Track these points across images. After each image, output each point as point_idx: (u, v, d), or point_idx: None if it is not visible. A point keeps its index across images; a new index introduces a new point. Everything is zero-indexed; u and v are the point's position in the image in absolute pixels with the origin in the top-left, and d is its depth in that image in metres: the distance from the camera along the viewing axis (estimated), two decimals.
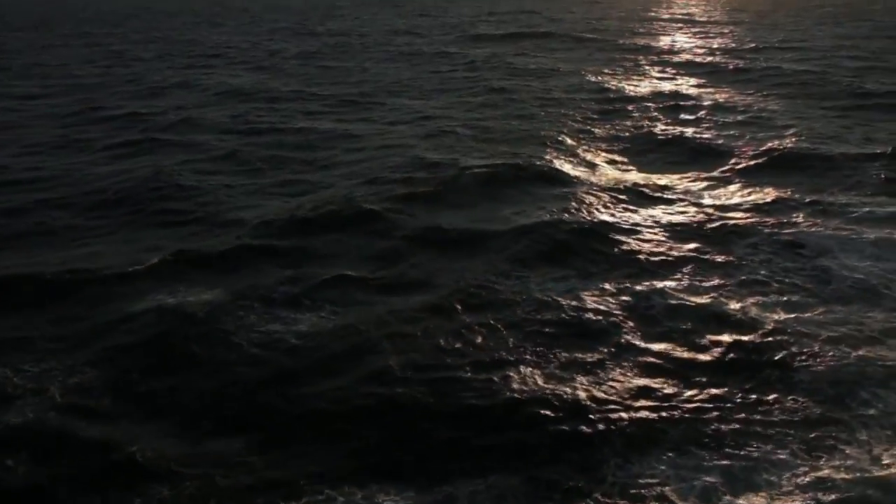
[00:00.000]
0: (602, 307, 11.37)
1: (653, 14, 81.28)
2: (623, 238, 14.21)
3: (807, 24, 69.47)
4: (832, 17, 79.36)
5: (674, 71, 36.51)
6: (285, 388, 9.32)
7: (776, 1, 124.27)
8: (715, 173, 18.75)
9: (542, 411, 8.68)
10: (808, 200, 16.15)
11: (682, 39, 53.06)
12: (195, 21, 79.99)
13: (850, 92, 29.33)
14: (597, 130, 23.56)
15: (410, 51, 45.52)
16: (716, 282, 12.29)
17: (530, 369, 9.59)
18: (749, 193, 16.99)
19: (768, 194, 16.74)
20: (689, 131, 23.15)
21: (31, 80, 37.69)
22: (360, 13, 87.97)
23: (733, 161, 19.66)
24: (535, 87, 31.51)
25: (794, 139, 21.84)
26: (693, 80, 33.24)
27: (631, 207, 16.06)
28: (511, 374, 9.42)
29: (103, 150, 22.52)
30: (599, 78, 33.83)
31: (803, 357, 9.75)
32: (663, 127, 23.82)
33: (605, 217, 15.41)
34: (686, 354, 10.03)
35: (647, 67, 38.01)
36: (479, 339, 10.38)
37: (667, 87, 31.47)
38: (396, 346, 10.18)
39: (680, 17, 77.70)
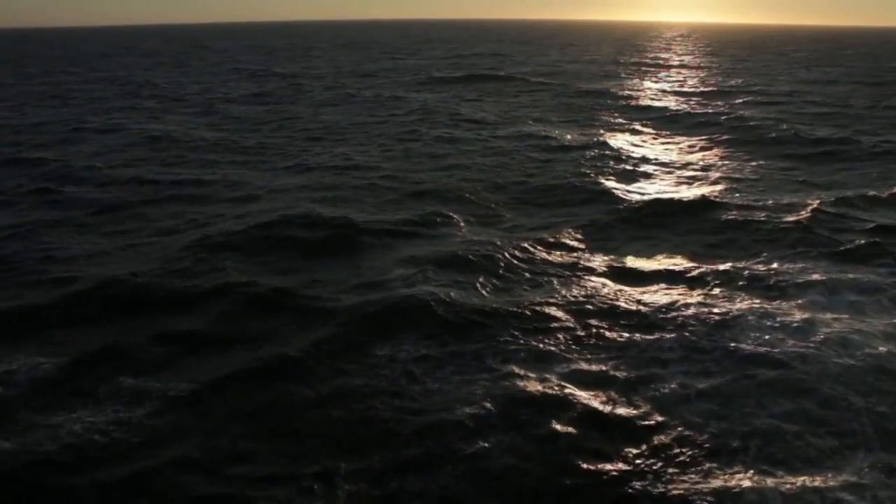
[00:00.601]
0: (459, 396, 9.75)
1: (624, 59, 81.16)
2: (507, 319, 12.02)
3: (778, 68, 69.19)
4: (803, 62, 79.31)
5: (625, 117, 35.27)
6: None
7: (754, 46, 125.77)
8: (628, 232, 17.05)
9: None
10: (723, 268, 14.38)
11: (646, 84, 52.27)
12: (161, 61, 79.38)
13: (801, 140, 28.21)
14: (513, 184, 21.88)
15: (364, 95, 44.35)
16: (609, 365, 10.60)
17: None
18: (665, 257, 15.23)
19: (686, 259, 15.03)
20: (615, 185, 21.44)
21: None
22: (335, 55, 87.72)
23: (653, 219, 17.99)
24: (472, 136, 30.00)
25: (724, 191, 20.51)
26: (641, 127, 31.96)
27: (525, 279, 14.14)
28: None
29: None
30: (541, 126, 32.42)
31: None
32: (590, 179, 22.04)
33: (477, 299, 12.87)
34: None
35: (598, 112, 36.81)
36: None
37: (611, 134, 30.05)
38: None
39: (650, 61, 77.49)
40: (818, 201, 18.71)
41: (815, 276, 13.82)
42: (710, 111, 36.42)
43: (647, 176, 22.87)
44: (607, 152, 26.30)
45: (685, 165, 24.39)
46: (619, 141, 28.51)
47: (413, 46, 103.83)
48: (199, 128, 33.24)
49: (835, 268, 14.35)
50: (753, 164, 24.64)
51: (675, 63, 74.64)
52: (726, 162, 24.99)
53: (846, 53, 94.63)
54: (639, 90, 47.18)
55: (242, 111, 38.37)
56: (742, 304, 12.64)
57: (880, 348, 10.81)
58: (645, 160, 25.12)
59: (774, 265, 14.58)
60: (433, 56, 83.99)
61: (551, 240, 16.17)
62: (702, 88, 47.74)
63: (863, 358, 10.53)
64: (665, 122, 33.22)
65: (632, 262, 14.99)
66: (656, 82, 53.49)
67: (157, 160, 26.20)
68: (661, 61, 76.67)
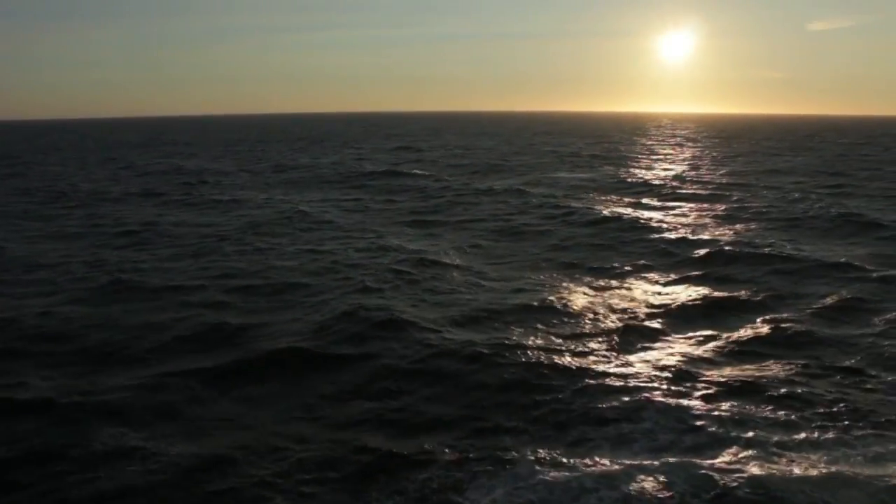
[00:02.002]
0: None
1: (572, 148, 77.08)
2: None
3: (741, 158, 64.19)
4: (769, 151, 74.63)
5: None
6: None
7: (732, 135, 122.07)
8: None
9: None
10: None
11: (565, 176, 46.65)
12: (137, 148, 75.37)
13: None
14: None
15: (250, 202, 38.74)
16: None
17: None
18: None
19: None
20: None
21: None
22: (315, 152, 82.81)
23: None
24: (337, 248, 23.96)
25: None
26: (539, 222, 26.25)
27: None
28: None
29: None
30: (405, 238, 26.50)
31: None
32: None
33: None
34: None
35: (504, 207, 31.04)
36: None
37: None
38: None
39: (601, 153, 72.79)
40: None
41: None
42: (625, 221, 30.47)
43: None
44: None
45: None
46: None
47: (375, 142, 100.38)
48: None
49: None
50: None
51: (624, 152, 69.80)
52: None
53: (809, 145, 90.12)
54: (567, 181, 41.48)
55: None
56: None
57: None
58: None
59: None
60: (386, 148, 79.76)
61: None
62: (645, 179, 42.05)
63: None
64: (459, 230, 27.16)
65: None
66: (589, 171, 48.20)
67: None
68: (615, 152, 71.89)
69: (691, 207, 31.67)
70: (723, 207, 31.22)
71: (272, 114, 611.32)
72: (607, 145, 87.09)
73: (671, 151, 74.38)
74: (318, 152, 72.82)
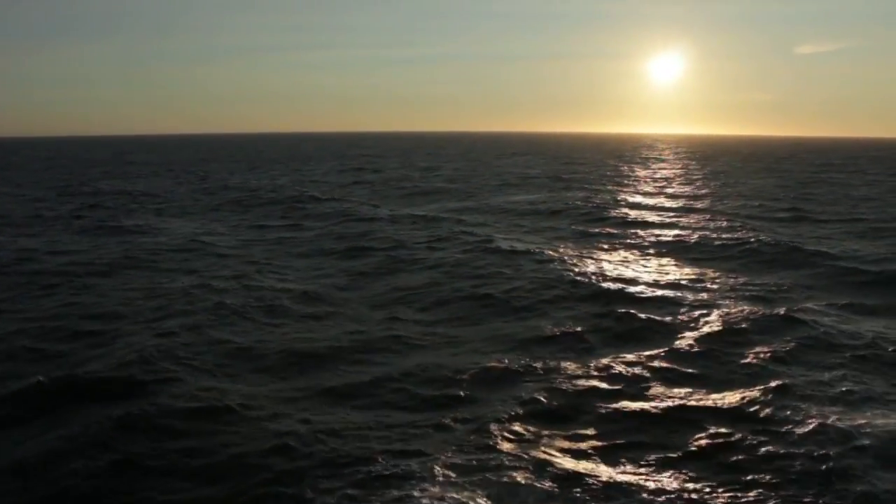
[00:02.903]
0: None
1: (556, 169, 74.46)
2: None
3: (710, 179, 61.73)
4: (742, 171, 72.32)
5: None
6: None
7: (710, 155, 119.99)
8: None
9: None
10: None
11: (501, 200, 43.71)
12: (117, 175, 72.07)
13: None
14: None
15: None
16: None
17: None
18: None
19: None
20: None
21: None
22: (267, 173, 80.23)
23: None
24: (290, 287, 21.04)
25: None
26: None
27: None
28: None
29: None
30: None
31: None
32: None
33: None
34: None
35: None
36: None
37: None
38: None
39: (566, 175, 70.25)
40: None
41: None
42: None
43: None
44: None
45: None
46: None
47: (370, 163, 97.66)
48: None
49: None
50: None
51: (591, 180, 67.25)
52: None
53: (782, 167, 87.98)
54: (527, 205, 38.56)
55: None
56: None
57: None
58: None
59: None
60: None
61: None
62: (609, 204, 39.14)
63: None
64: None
65: None
66: (555, 192, 45.28)
67: None
68: (585, 176, 69.30)
69: (631, 234, 28.85)
70: (663, 235, 28.34)
71: (260, 132, 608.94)
72: (578, 166, 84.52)
73: (642, 173, 71.74)
74: (272, 173, 69.70)
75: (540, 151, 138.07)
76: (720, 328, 15.11)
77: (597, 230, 30.23)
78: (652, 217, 34.27)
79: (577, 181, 59.29)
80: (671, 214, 35.74)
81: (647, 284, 19.63)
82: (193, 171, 73.96)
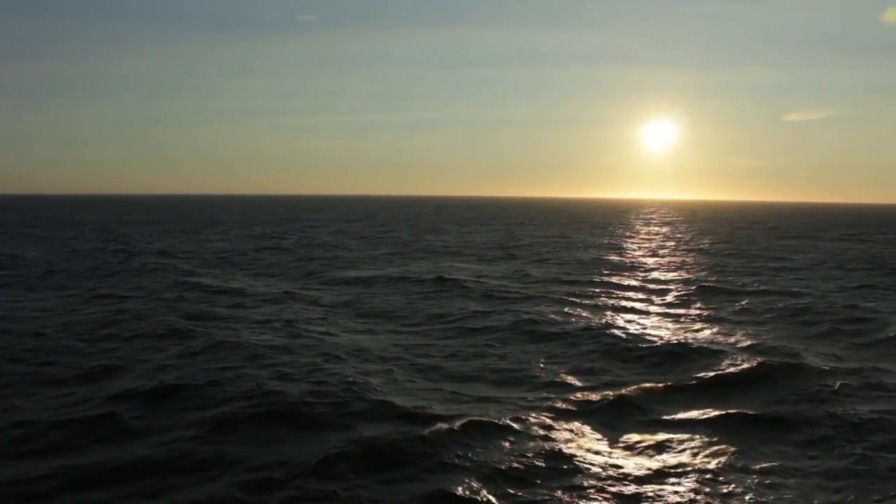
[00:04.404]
0: None
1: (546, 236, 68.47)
2: None
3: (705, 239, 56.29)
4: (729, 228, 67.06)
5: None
6: None
7: (697, 220, 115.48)
8: None
9: None
10: None
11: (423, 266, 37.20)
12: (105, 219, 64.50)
13: None
14: None
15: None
16: None
17: None
18: None
19: None
20: None
21: None
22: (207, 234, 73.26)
23: None
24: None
25: None
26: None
27: None
28: None
29: None
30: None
31: None
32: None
33: None
34: None
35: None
36: None
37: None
38: None
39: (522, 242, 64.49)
40: None
41: None
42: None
43: None
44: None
45: None
46: None
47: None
48: None
49: None
50: None
51: (578, 237, 61.50)
52: None
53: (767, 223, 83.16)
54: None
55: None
56: None
57: None
58: None
59: None
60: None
61: None
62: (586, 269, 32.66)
63: None
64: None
65: None
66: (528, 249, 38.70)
67: None
68: (565, 237, 63.46)
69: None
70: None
71: (251, 194, 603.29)
72: (555, 229, 78.72)
73: (611, 241, 65.42)
74: (211, 235, 62.77)
75: (514, 215, 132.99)
76: None
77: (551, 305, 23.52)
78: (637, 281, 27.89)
79: (538, 246, 53.07)
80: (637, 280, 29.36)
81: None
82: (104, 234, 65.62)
